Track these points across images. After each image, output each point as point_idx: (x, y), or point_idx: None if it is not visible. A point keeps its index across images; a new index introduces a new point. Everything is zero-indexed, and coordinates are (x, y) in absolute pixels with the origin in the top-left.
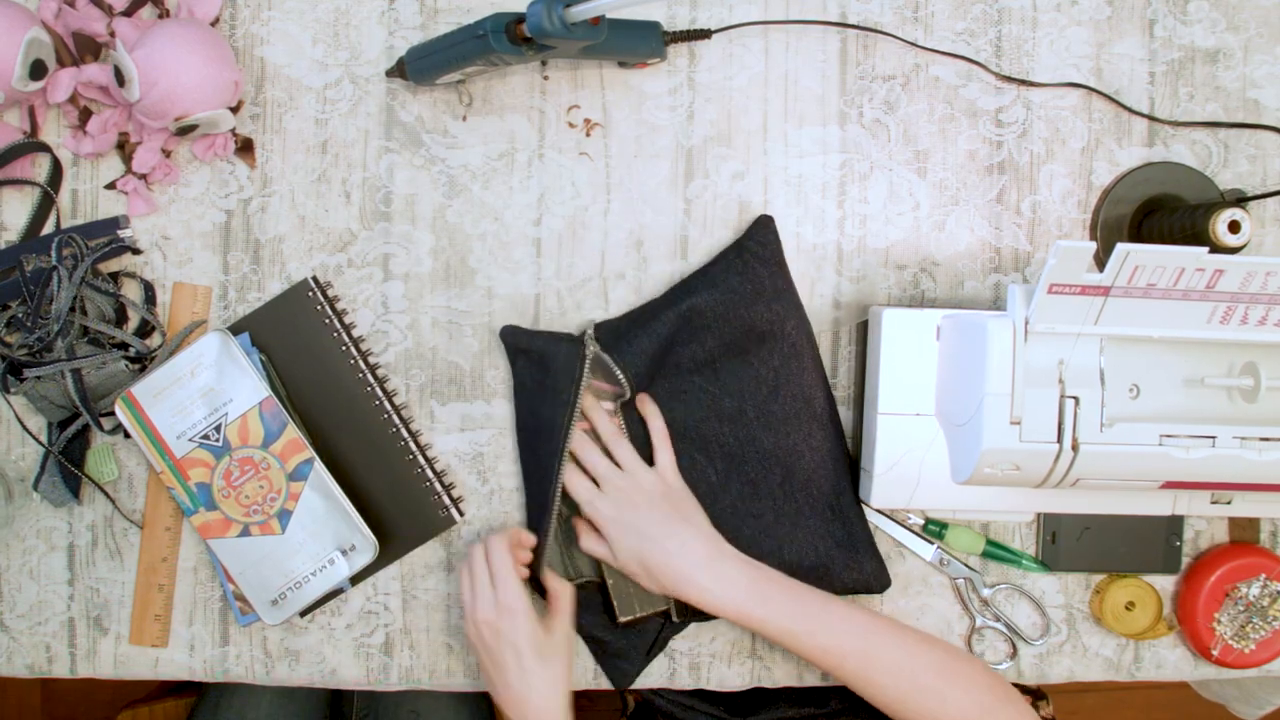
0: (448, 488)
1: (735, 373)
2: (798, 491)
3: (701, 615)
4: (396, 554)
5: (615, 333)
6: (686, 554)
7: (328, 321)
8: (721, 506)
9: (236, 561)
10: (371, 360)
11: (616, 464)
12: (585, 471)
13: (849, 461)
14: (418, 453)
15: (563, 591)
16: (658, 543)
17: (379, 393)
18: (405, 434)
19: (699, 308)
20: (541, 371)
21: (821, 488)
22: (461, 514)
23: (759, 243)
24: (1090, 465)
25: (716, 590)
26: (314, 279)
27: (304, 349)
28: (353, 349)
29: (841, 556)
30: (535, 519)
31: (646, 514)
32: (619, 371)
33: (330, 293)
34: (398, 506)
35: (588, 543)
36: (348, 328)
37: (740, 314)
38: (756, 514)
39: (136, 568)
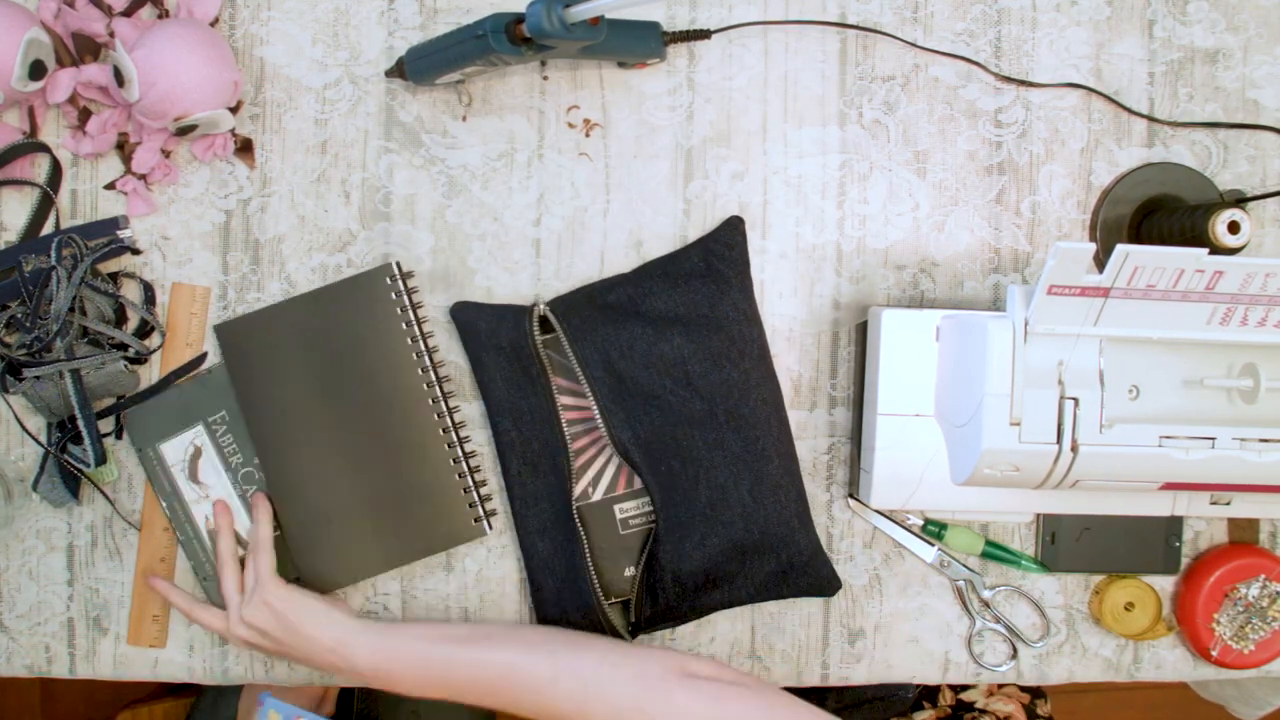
0: (483, 499)
1: (705, 375)
2: (766, 497)
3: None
4: (419, 553)
5: (568, 304)
6: (319, 634)
7: (401, 311)
8: (693, 513)
9: None
10: (436, 358)
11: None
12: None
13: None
14: (462, 458)
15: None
16: (287, 639)
17: (438, 391)
18: (454, 437)
19: (665, 309)
20: (493, 339)
21: (789, 493)
22: (491, 527)
23: (725, 244)
24: (1090, 466)
25: (377, 660)
26: (397, 264)
27: (368, 331)
28: (421, 342)
29: (803, 561)
30: (521, 510)
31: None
32: (575, 364)
33: (410, 283)
34: (430, 506)
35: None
36: (420, 320)
37: (705, 314)
38: (726, 522)
39: (134, 568)
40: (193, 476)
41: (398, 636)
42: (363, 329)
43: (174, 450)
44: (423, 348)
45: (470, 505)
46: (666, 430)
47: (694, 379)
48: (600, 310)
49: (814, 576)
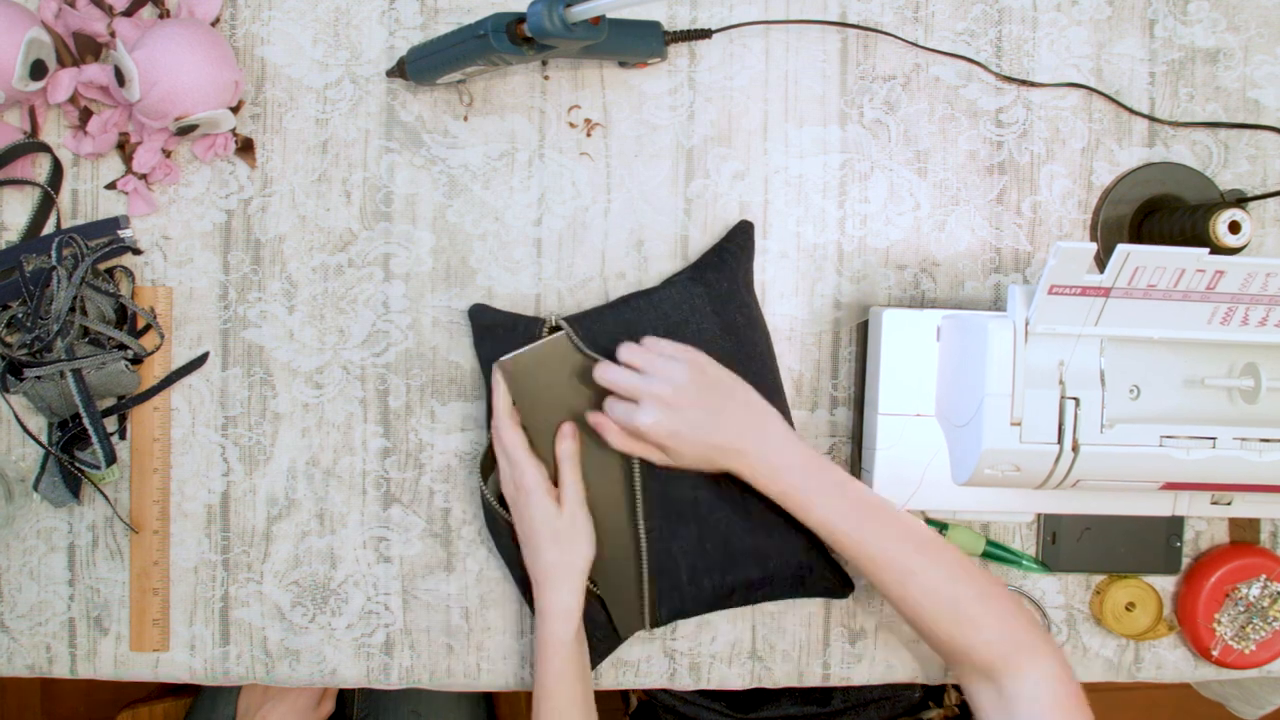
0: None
1: None
2: None
3: (673, 616)
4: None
5: (582, 316)
6: (746, 438)
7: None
8: (715, 520)
9: None
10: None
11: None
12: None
13: None
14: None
15: (570, 479)
16: (715, 439)
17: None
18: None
19: (677, 307)
20: (504, 345)
21: None
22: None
23: (739, 245)
24: (1090, 466)
25: (772, 469)
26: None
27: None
28: None
29: (818, 565)
30: None
31: (694, 414)
32: (584, 348)
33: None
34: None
35: (620, 442)
36: None
37: (718, 309)
38: (745, 529)
39: (130, 573)
40: None
41: (817, 475)
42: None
43: None
44: None
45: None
46: None
47: None
48: (613, 311)
49: (830, 580)
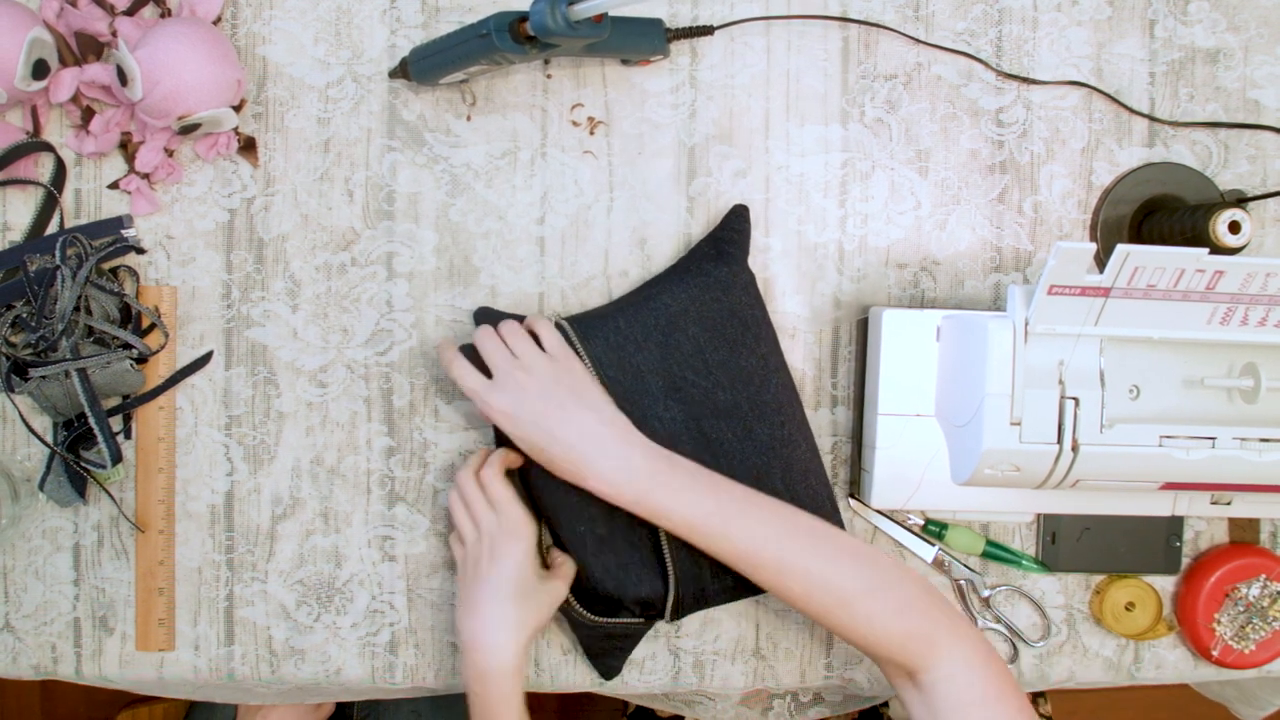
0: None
1: (724, 364)
2: (797, 484)
3: (694, 607)
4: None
5: (584, 321)
6: (587, 441)
7: None
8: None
9: None
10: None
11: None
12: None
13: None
14: None
15: (566, 562)
16: (555, 433)
17: None
18: None
19: (676, 298)
20: None
21: (819, 477)
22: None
23: (735, 230)
24: (1090, 466)
25: (616, 478)
26: None
27: None
28: None
29: None
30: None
31: (540, 404)
32: (589, 364)
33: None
34: None
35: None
36: None
37: (720, 299)
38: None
39: (135, 573)
40: None
41: (668, 474)
42: None
43: None
44: None
45: None
46: (692, 424)
47: (713, 368)
48: (614, 310)
49: None
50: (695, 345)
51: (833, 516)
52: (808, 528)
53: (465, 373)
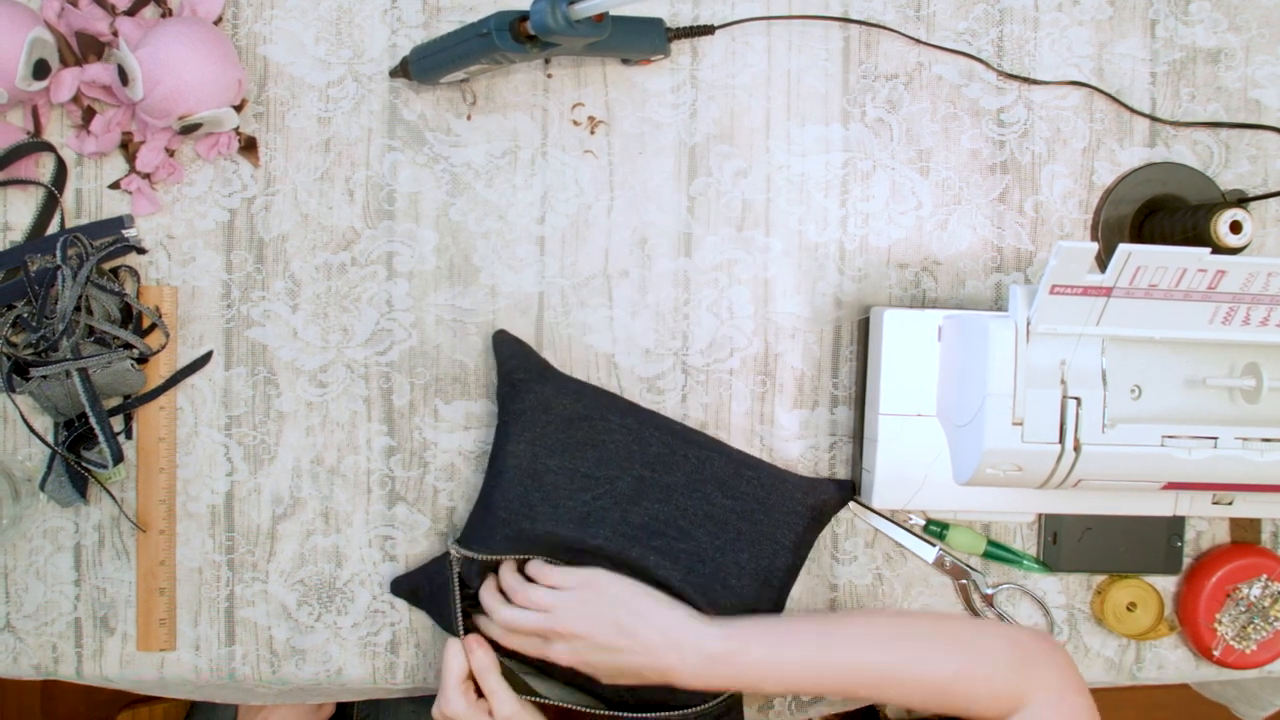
0: None
1: (599, 461)
2: (734, 487)
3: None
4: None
5: (474, 533)
6: (658, 617)
7: None
8: (714, 557)
9: None
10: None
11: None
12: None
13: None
14: None
15: (494, 687)
16: (635, 638)
17: None
18: None
19: (518, 449)
20: (436, 600)
21: (749, 462)
22: None
23: (512, 356)
24: (1092, 466)
25: (702, 653)
26: None
27: None
28: None
29: (818, 499)
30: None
31: (603, 637)
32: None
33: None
34: None
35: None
36: None
37: (550, 420)
38: (743, 538)
39: (138, 570)
40: None
41: (748, 629)
42: None
43: None
44: None
45: None
46: (621, 528)
47: (592, 475)
48: (483, 505)
49: (831, 502)
50: (566, 472)
51: (786, 484)
52: (886, 630)
53: (516, 617)
